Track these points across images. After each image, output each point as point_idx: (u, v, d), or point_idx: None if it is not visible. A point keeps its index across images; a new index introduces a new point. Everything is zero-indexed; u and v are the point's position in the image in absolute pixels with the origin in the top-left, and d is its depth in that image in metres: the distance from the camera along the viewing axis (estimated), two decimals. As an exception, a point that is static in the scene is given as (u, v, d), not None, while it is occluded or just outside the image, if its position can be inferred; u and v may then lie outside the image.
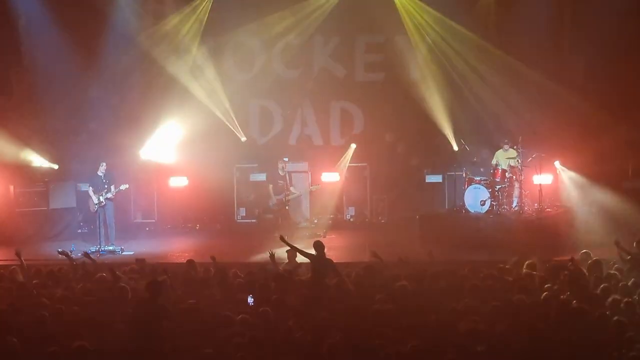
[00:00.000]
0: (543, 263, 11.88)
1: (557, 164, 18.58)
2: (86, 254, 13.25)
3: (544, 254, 12.89)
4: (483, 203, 17.39)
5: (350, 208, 20.91)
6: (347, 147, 20.47)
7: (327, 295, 10.72)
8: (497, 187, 17.44)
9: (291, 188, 18.99)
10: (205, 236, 19.43)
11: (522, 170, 17.50)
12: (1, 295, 10.95)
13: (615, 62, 19.21)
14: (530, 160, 17.73)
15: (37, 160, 19.60)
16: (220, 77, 20.46)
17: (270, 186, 18.90)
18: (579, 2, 19.58)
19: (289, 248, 13.45)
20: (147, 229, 20.23)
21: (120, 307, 10.02)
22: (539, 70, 19.36)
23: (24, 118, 19.80)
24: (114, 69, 19.84)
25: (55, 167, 19.71)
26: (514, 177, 17.61)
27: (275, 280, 11.27)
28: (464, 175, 18.04)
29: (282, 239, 13.11)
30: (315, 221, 19.92)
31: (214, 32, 20.55)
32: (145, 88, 20.39)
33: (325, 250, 12.42)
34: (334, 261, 12.39)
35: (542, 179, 17.92)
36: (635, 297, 10.08)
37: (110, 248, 17.26)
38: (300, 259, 12.99)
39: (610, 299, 9.77)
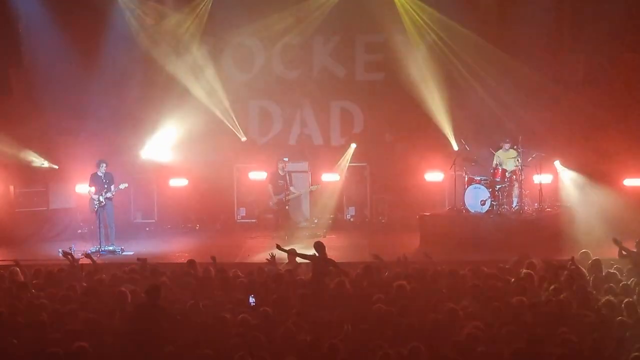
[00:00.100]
0: (543, 263, 11.87)
1: (557, 163, 18.59)
2: (88, 255, 13.28)
3: (544, 254, 12.88)
4: (483, 203, 17.39)
5: (350, 208, 20.92)
6: (347, 146, 20.46)
7: (327, 295, 10.72)
8: (497, 187, 17.43)
9: (291, 188, 18.99)
10: (205, 236, 19.44)
11: (522, 170, 17.51)
12: (1, 295, 10.94)
13: (616, 61, 19.22)
14: (530, 160, 17.74)
15: (37, 160, 19.61)
16: (220, 77, 20.46)
17: (270, 186, 18.90)
18: (578, 1, 19.57)
19: (289, 248, 13.47)
20: (147, 229, 20.24)
21: (120, 308, 10.01)
22: (539, 70, 19.35)
23: (23, 118, 19.79)
24: (113, 68, 19.83)
25: (55, 167, 19.72)
26: (514, 176, 17.61)
27: (275, 280, 11.28)
28: (464, 175, 18.04)
29: (279, 247, 13.08)
30: (316, 221, 19.92)
31: (213, 32, 20.55)
32: (145, 88, 20.36)
33: (326, 250, 12.42)
34: (335, 261, 12.40)
35: (542, 178, 17.92)
36: (635, 297, 10.08)
37: (110, 248, 17.25)
38: (300, 259, 12.99)
39: (610, 299, 9.78)
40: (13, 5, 19.51)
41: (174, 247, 17.89)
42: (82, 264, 12.94)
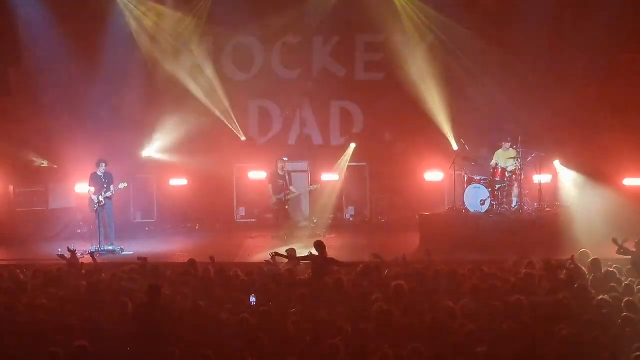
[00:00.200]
0: (542, 262, 11.88)
1: (556, 163, 18.59)
2: (91, 254, 13.30)
3: (544, 254, 12.88)
4: (483, 203, 17.39)
5: (350, 208, 20.93)
6: (346, 146, 20.48)
7: (327, 295, 10.72)
8: (497, 186, 17.44)
9: (291, 187, 18.99)
10: (204, 236, 19.45)
11: (521, 169, 17.51)
12: (1, 295, 10.94)
13: (615, 61, 19.22)
14: (530, 159, 17.74)
15: (37, 160, 19.61)
16: (219, 76, 20.48)
17: (270, 186, 18.90)
18: (578, 1, 19.57)
19: (289, 248, 13.47)
20: (147, 228, 20.26)
21: (120, 308, 10.02)
22: (539, 70, 19.36)
23: (23, 118, 19.81)
24: (113, 68, 19.83)
25: (55, 167, 19.71)
26: (514, 176, 17.61)
27: (275, 280, 11.28)
28: (463, 175, 18.04)
29: (277, 254, 12.99)
30: (315, 221, 19.93)
31: (213, 31, 20.56)
32: (145, 88, 20.38)
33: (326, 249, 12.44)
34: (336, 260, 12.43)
35: (541, 178, 17.93)
36: (635, 296, 10.09)
37: (110, 248, 17.26)
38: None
39: (609, 298, 9.78)
40: (13, 5, 19.51)
41: (174, 247, 17.90)
42: (82, 264, 12.93)
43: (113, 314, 9.86)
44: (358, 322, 9.14)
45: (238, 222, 20.79)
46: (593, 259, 11.74)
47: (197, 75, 20.39)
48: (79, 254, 13.44)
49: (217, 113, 20.25)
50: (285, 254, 13.13)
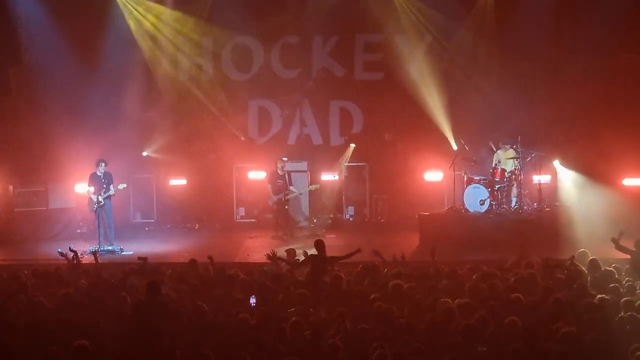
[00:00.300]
0: (542, 262, 11.89)
1: (556, 163, 18.59)
2: (93, 252, 13.31)
3: (543, 254, 12.88)
4: (482, 203, 17.41)
5: (349, 207, 20.93)
6: (346, 146, 20.48)
7: (327, 295, 10.72)
8: (497, 186, 17.46)
9: (290, 187, 18.99)
10: (204, 236, 19.45)
11: (521, 169, 17.52)
12: (1, 295, 10.94)
13: (615, 61, 19.23)
14: (530, 159, 17.75)
15: (37, 160, 19.60)
16: (219, 76, 20.47)
17: (269, 186, 18.91)
18: (578, 1, 19.57)
19: (288, 248, 13.47)
20: (147, 228, 20.25)
21: (120, 307, 10.03)
22: (539, 69, 19.36)
23: (23, 118, 19.81)
24: (113, 68, 19.83)
25: (55, 166, 19.71)
26: (513, 176, 17.62)
27: (275, 280, 11.28)
28: (463, 175, 18.05)
29: (277, 258, 12.88)
30: (315, 221, 19.94)
31: (213, 31, 20.56)
32: (145, 88, 20.37)
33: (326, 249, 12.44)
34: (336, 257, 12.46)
35: (541, 178, 17.93)
36: (634, 295, 10.10)
37: (110, 248, 17.27)
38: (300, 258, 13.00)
39: (609, 297, 9.79)
40: (13, 5, 19.52)
41: (174, 247, 17.89)
42: (82, 263, 12.93)
43: (113, 313, 9.87)
44: (357, 321, 9.15)
45: (238, 222, 20.79)
46: (591, 259, 11.75)
47: (197, 75, 20.39)
48: (78, 254, 13.43)
49: (217, 113, 20.25)
50: (285, 254, 13.12)
